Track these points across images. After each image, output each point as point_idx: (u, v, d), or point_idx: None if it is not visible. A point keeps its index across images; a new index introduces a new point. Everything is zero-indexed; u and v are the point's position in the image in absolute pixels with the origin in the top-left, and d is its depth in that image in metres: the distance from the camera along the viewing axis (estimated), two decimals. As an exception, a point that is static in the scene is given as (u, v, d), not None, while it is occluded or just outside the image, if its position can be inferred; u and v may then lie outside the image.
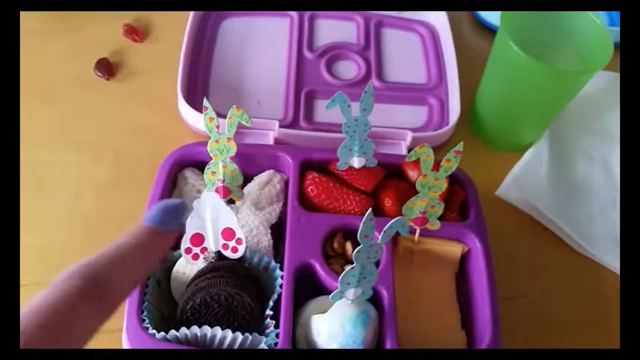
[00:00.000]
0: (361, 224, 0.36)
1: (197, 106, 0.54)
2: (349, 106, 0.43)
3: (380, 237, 0.37)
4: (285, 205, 0.47)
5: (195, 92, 0.57)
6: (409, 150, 0.54)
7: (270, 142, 0.53)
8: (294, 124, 0.56)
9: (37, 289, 0.45)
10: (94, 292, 0.26)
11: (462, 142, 0.41)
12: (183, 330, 0.39)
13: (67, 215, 0.50)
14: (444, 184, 0.42)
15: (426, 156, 0.41)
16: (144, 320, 0.39)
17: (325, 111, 0.58)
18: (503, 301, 0.44)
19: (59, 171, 0.52)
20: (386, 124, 0.55)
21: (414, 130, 0.55)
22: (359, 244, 0.38)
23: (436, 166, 0.42)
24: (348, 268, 0.39)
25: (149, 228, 0.31)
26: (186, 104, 0.54)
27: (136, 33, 0.61)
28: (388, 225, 0.37)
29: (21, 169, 0.52)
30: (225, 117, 0.45)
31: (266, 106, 0.57)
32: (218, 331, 0.38)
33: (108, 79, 0.58)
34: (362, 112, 0.43)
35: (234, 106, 0.44)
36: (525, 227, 0.53)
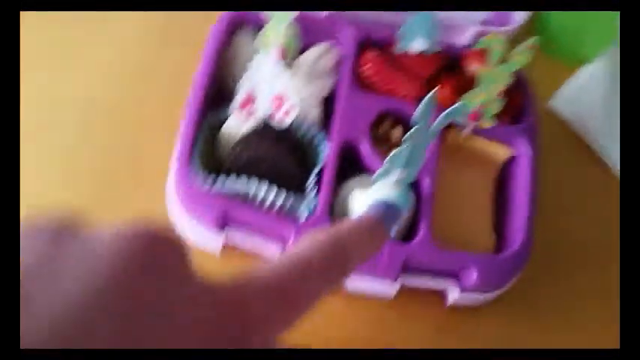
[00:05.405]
0: (421, 104, 0.35)
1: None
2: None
3: (436, 121, 0.37)
4: (337, 80, 0.46)
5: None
6: (473, 42, 0.51)
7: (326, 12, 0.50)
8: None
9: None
10: (341, 256, 0.24)
11: (537, 37, 0.39)
12: (230, 182, 0.40)
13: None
14: (508, 79, 0.41)
15: (496, 46, 0.39)
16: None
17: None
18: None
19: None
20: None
21: (480, 22, 0.52)
22: (409, 131, 0.37)
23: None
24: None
25: (377, 219, 0.29)
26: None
27: None
28: (448, 110, 0.36)
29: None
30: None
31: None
32: (263, 187, 0.39)
33: None
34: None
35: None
36: (568, 143, 0.52)
